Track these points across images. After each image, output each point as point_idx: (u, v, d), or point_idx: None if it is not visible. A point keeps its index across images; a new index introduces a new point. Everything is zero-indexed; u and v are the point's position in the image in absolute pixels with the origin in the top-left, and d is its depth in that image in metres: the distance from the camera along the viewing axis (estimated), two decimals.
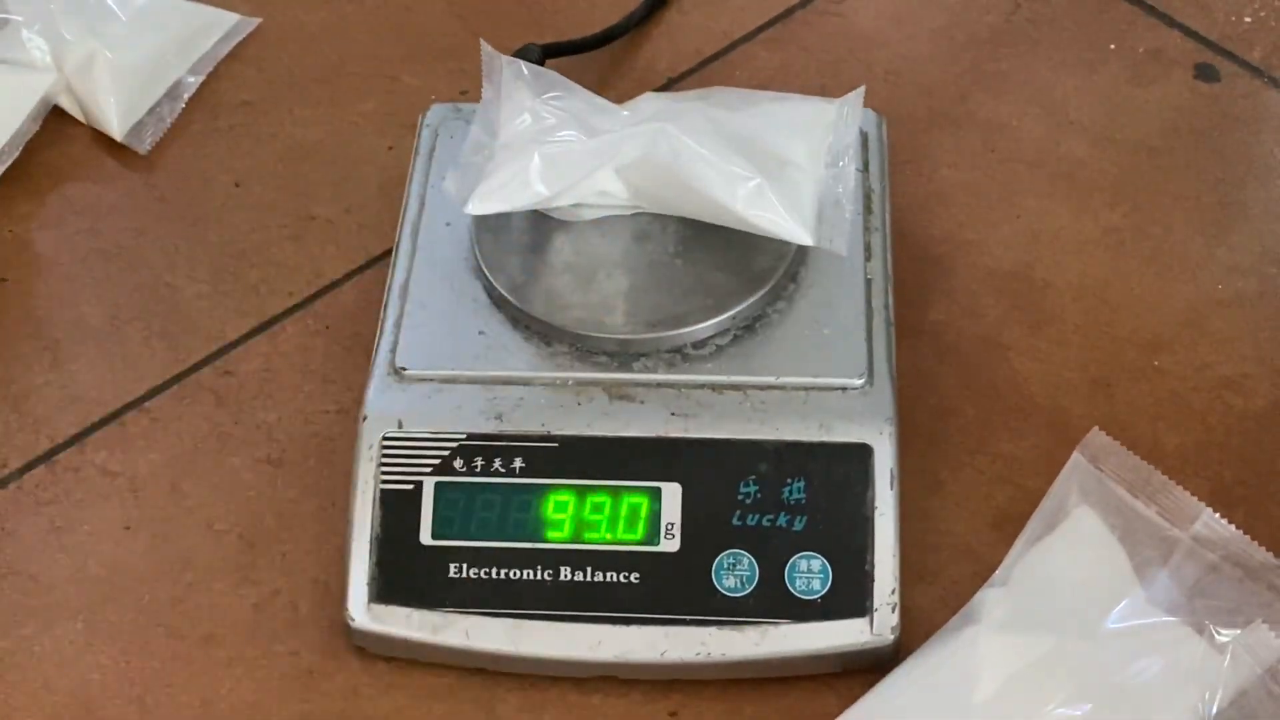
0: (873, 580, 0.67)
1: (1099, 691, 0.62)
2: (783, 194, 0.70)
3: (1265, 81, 0.90)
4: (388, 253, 0.78)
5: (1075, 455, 0.68)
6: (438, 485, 0.68)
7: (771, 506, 0.68)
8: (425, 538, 0.68)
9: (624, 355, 0.71)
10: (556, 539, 0.68)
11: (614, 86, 0.91)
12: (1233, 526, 0.66)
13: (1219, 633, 0.63)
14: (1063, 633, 0.64)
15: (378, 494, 0.68)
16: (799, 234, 0.70)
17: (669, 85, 0.91)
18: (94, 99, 0.89)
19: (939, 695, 0.63)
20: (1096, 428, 0.68)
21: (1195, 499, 0.67)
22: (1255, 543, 0.66)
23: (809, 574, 0.67)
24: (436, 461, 0.69)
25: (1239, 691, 0.62)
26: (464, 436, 0.69)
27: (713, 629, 0.67)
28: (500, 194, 0.72)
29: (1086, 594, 0.65)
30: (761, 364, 0.70)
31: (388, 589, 0.68)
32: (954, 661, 0.64)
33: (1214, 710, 0.62)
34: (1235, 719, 0.62)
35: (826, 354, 0.71)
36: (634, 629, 0.67)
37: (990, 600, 0.66)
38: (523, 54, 0.87)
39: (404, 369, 0.71)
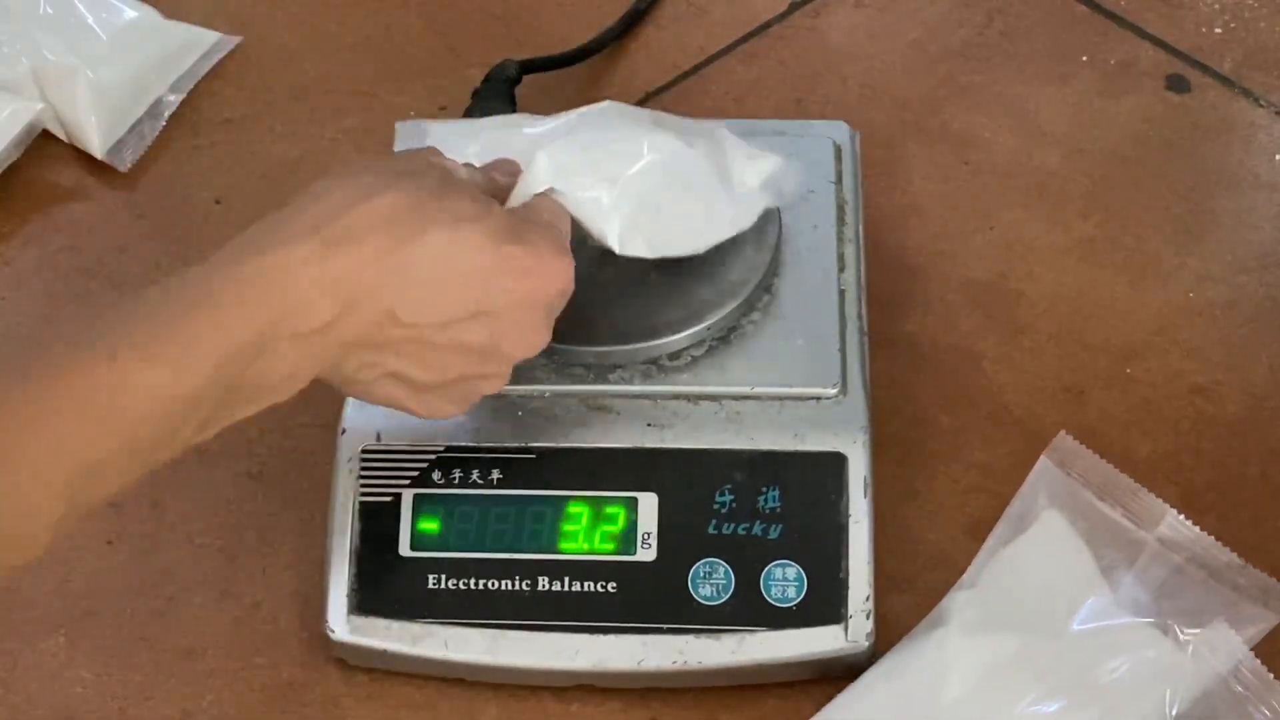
0: (847, 588, 0.67)
1: (1066, 692, 0.63)
2: None
3: (1235, 92, 0.91)
4: None
5: (1043, 459, 0.69)
6: (416, 497, 0.69)
7: (747, 515, 0.68)
8: (404, 549, 0.69)
9: (600, 367, 0.71)
10: (534, 549, 0.68)
11: (591, 101, 0.91)
12: (1197, 528, 0.67)
13: (1184, 633, 0.64)
14: (1030, 634, 0.65)
15: (357, 506, 0.69)
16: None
17: (646, 100, 0.92)
18: (75, 118, 0.89)
19: (909, 696, 0.64)
20: (1063, 431, 0.69)
21: (1161, 501, 0.68)
22: (1219, 543, 0.67)
23: (784, 582, 0.68)
24: (415, 474, 0.69)
25: (1203, 691, 0.63)
26: (442, 449, 0.70)
27: (689, 637, 0.67)
28: None
29: (1054, 596, 0.66)
30: (737, 374, 0.71)
31: (367, 601, 0.68)
32: (923, 663, 0.65)
33: (1177, 710, 0.63)
34: (1198, 718, 0.63)
35: (801, 364, 0.71)
36: (611, 638, 0.68)
37: (959, 602, 0.67)
38: (500, 70, 0.88)
39: None
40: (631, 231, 0.68)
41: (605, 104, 0.72)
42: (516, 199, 0.68)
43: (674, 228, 0.69)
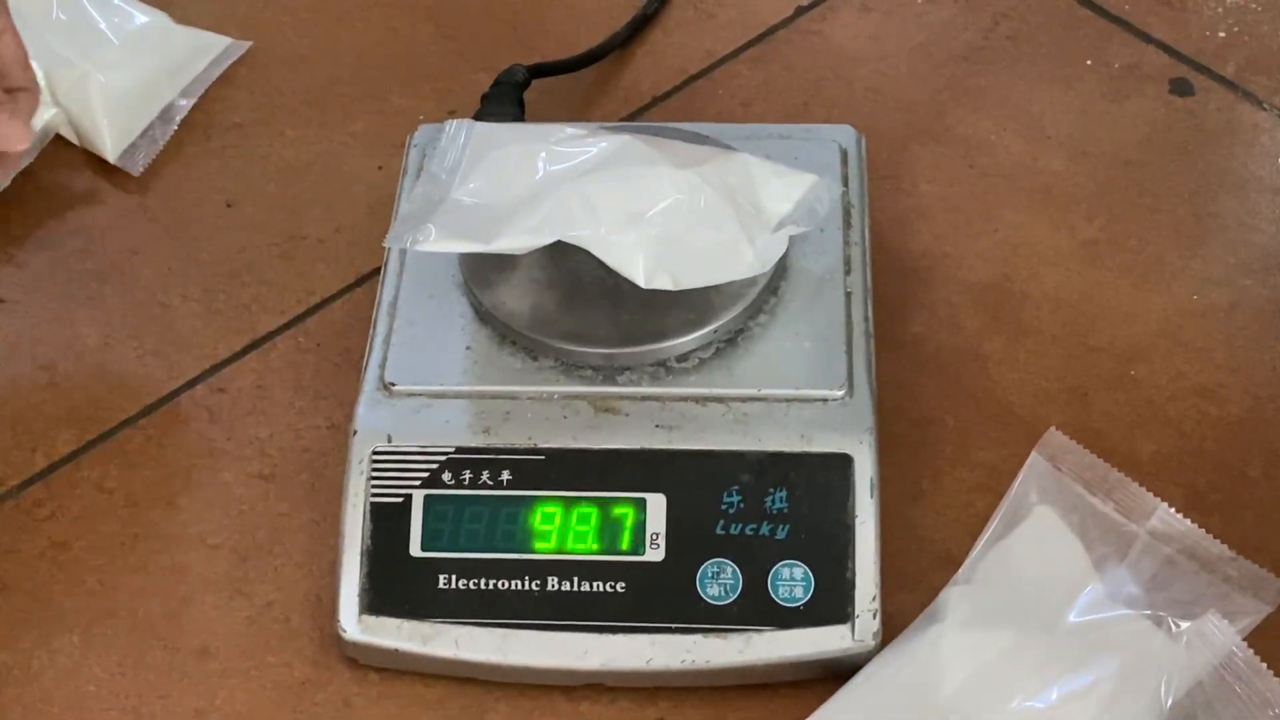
0: (854, 587, 0.68)
1: (1061, 685, 0.64)
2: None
3: (1239, 95, 0.91)
4: (377, 271, 0.79)
5: (1033, 455, 0.70)
6: (427, 498, 0.70)
7: (754, 516, 0.69)
8: (415, 550, 0.69)
9: (609, 369, 0.72)
10: (543, 550, 0.69)
11: (600, 106, 0.93)
12: (1188, 521, 0.68)
13: (1176, 624, 0.65)
14: (1025, 628, 0.66)
15: (368, 507, 0.70)
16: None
17: (654, 104, 0.93)
18: (87, 122, 0.90)
19: (906, 692, 0.65)
20: (1053, 428, 0.70)
21: (1151, 495, 0.68)
22: (1210, 535, 0.68)
23: (791, 582, 0.68)
24: (425, 475, 0.70)
25: (1196, 681, 0.64)
26: (452, 450, 0.70)
27: (697, 637, 0.68)
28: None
29: (1048, 590, 0.67)
30: (743, 376, 0.72)
31: (378, 600, 0.69)
32: (920, 659, 0.65)
33: (1171, 700, 0.63)
34: (1192, 708, 0.64)
35: (807, 366, 0.72)
36: (620, 638, 0.68)
37: (954, 598, 0.68)
38: (508, 75, 0.89)
39: (393, 384, 0.72)
40: (656, 268, 0.70)
41: (626, 137, 0.73)
42: (544, 235, 0.70)
43: (697, 262, 0.70)
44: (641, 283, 0.70)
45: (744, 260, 0.71)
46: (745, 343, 0.73)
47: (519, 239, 0.71)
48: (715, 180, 0.72)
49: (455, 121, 0.76)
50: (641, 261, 0.70)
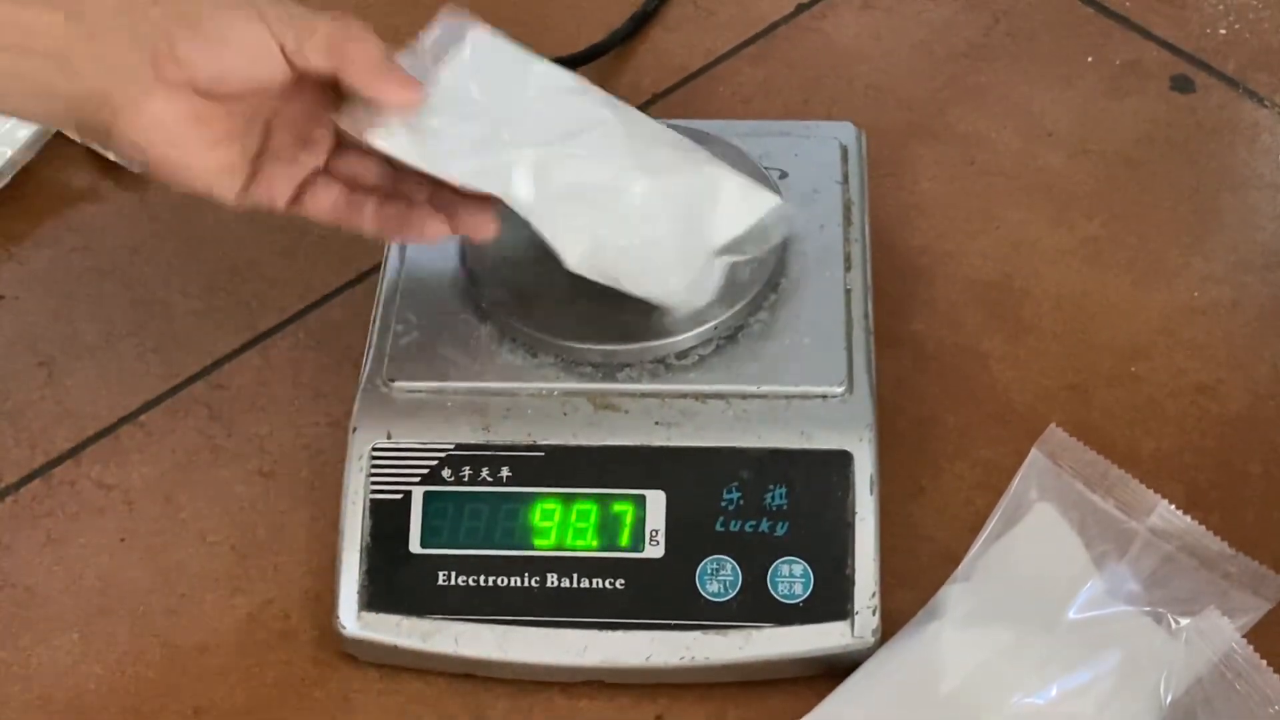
0: (853, 584, 0.68)
1: (1061, 682, 0.64)
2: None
3: (1239, 92, 0.91)
4: (377, 268, 0.79)
5: (1034, 452, 0.70)
6: (426, 494, 0.70)
7: (754, 513, 0.69)
8: (414, 546, 0.69)
9: (608, 366, 0.72)
10: (543, 546, 0.69)
11: None
12: (1188, 518, 0.68)
13: (1176, 621, 0.65)
14: (1024, 625, 0.66)
15: (367, 504, 0.70)
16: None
17: (654, 101, 0.93)
18: None
19: (905, 689, 0.65)
20: (1053, 425, 0.70)
21: (1151, 492, 0.69)
22: (1210, 533, 0.68)
23: (791, 578, 0.68)
24: (425, 471, 0.70)
25: (1195, 678, 0.64)
26: (452, 446, 0.70)
27: (697, 633, 0.68)
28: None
29: (1047, 587, 0.67)
30: (743, 373, 0.72)
31: (378, 597, 0.69)
32: (919, 656, 0.66)
33: (1171, 697, 0.64)
34: (1191, 705, 0.64)
35: (807, 363, 0.72)
36: (620, 634, 0.68)
37: (954, 595, 0.68)
38: None
39: (393, 381, 0.72)
40: (586, 255, 0.68)
41: (610, 118, 0.70)
42: (490, 184, 0.66)
43: (630, 270, 0.69)
44: (568, 265, 0.68)
45: (675, 291, 0.70)
46: (745, 339, 0.73)
47: (465, 175, 0.66)
48: (677, 193, 0.69)
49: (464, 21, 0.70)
50: (574, 247, 0.68)
